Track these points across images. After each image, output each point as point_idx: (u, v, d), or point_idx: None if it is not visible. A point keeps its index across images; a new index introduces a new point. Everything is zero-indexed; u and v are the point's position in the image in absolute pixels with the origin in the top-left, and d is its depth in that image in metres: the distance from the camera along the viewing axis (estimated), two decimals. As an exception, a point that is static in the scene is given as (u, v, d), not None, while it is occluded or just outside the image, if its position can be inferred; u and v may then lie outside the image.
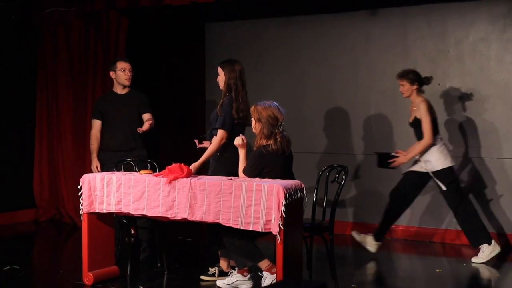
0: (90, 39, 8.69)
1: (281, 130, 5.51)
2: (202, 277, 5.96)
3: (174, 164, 5.50)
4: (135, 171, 6.31)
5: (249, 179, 5.38)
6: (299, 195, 5.22)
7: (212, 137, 5.99)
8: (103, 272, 5.84)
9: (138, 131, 6.65)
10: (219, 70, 6.04)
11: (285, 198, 4.96)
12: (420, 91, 6.82)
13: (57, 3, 8.75)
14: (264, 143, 5.49)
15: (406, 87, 6.79)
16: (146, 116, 6.91)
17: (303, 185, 5.32)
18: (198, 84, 9.23)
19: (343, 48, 8.13)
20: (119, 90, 6.98)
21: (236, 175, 5.65)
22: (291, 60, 8.41)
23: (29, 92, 9.02)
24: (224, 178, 5.44)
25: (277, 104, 5.59)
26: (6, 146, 8.74)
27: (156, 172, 6.07)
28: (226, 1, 7.77)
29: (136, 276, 6.09)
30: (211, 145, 5.90)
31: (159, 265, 6.31)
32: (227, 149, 5.89)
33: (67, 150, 8.82)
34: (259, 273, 5.55)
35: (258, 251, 5.44)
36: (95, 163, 7.00)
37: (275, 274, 5.24)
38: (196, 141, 6.23)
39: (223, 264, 5.98)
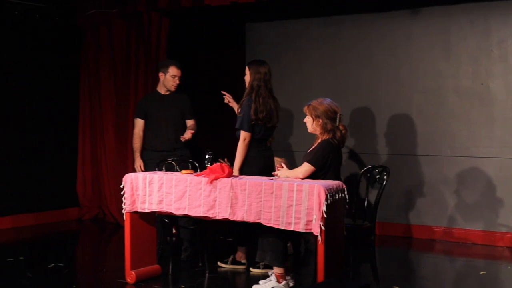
0: (132, 40, 8.78)
1: (342, 122, 5.54)
2: (219, 263, 6.35)
3: (215, 164, 5.54)
4: (177, 170, 6.35)
5: (290, 179, 5.38)
6: (340, 195, 5.21)
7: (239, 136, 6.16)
8: (145, 270, 5.90)
9: (181, 139, 6.80)
10: (246, 69, 6.22)
11: (326, 199, 4.95)
12: None
13: (99, 5, 8.86)
14: (330, 137, 5.50)
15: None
16: (190, 123, 7.02)
17: (344, 186, 5.30)
18: (238, 84, 9.25)
19: (384, 48, 8.07)
20: (163, 91, 7.06)
21: (258, 174, 5.82)
22: (332, 60, 8.38)
23: (72, 93, 9.15)
24: (265, 178, 5.46)
25: (330, 99, 5.61)
26: (50, 146, 8.88)
27: (197, 172, 6.11)
28: (267, 1, 7.78)
29: (178, 275, 6.13)
30: (238, 149, 6.06)
31: (200, 264, 6.35)
32: (249, 148, 6.06)
33: (110, 150, 8.92)
34: (269, 273, 5.64)
35: (284, 256, 5.47)
36: (139, 162, 7.07)
37: (281, 284, 5.44)
38: (226, 96, 6.50)
39: (239, 254, 6.34)
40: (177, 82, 6.97)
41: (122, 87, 8.82)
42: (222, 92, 6.58)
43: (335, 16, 8.35)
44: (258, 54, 8.70)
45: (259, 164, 6.11)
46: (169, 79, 6.96)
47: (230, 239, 7.33)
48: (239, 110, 6.13)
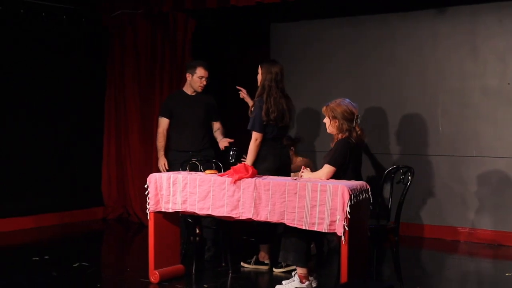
0: (157, 40, 8.81)
1: (358, 123, 5.53)
2: (242, 263, 6.38)
3: (239, 164, 5.55)
4: (201, 171, 6.36)
5: (313, 179, 5.36)
6: (364, 196, 5.18)
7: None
8: (169, 270, 5.92)
9: (221, 149, 6.87)
10: (259, 68, 6.28)
11: (350, 199, 4.93)
12: (296, 153, 7.31)
13: (125, 5, 8.90)
14: (346, 136, 5.51)
15: None
16: (217, 125, 7.07)
17: (368, 186, 5.28)
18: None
19: (410, 47, 8.02)
20: (189, 91, 7.08)
21: (274, 171, 5.85)
22: (357, 60, 8.34)
23: (98, 93, 9.21)
24: (289, 178, 5.45)
25: (348, 100, 5.60)
26: (76, 146, 8.95)
27: (221, 172, 6.11)
28: (292, 1, 7.76)
29: (201, 274, 6.14)
30: (249, 149, 6.15)
31: (223, 264, 6.36)
32: (262, 147, 6.15)
33: (135, 150, 8.95)
34: (292, 273, 5.61)
35: (307, 257, 5.45)
36: (162, 161, 7.08)
37: (304, 285, 5.44)
38: (241, 91, 6.62)
39: (262, 254, 6.38)
40: (204, 83, 6.99)
41: (147, 87, 8.85)
42: (238, 87, 6.61)
43: (360, 16, 8.31)
44: (283, 54, 8.71)
45: (275, 162, 6.15)
46: (196, 80, 6.97)
47: (253, 239, 7.31)
48: (251, 110, 6.21)
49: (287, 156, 6.40)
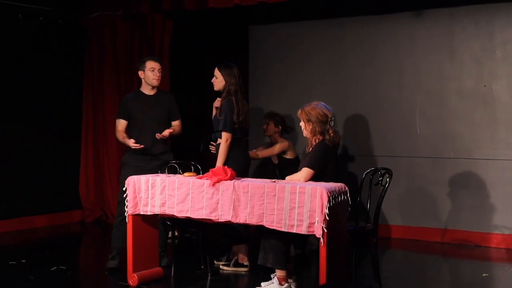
0: (135, 42, 8.79)
1: (332, 125, 5.54)
2: (216, 262, 6.48)
3: (218, 167, 5.53)
4: (179, 173, 6.32)
5: (292, 181, 5.37)
6: (343, 197, 5.20)
7: (217, 139, 6.30)
8: (148, 273, 5.90)
9: (157, 137, 6.46)
10: (217, 72, 6.34)
11: (329, 201, 4.94)
12: (280, 134, 7.43)
13: (103, 7, 8.87)
14: (321, 138, 5.54)
15: (270, 127, 7.40)
16: (175, 123, 6.67)
17: (346, 188, 5.29)
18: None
19: (388, 49, 8.06)
20: (147, 90, 6.65)
21: (245, 172, 5.94)
22: (335, 62, 8.36)
23: (75, 95, 9.16)
24: (268, 180, 5.45)
25: (323, 103, 5.64)
26: (53, 148, 8.89)
27: (200, 174, 6.10)
28: (270, 3, 7.77)
29: (180, 277, 6.12)
30: (221, 149, 6.19)
31: (202, 266, 6.34)
32: (231, 148, 6.22)
33: (112, 152, 8.92)
34: (271, 274, 5.59)
35: (286, 259, 5.46)
36: (130, 142, 6.45)
37: (283, 287, 5.43)
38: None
39: (240, 256, 6.39)
40: (158, 74, 6.58)
41: (125, 90, 8.81)
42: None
43: (338, 18, 8.34)
44: (261, 56, 8.72)
45: (242, 163, 6.27)
46: (148, 74, 6.60)
47: (224, 239, 7.17)
48: (219, 113, 6.24)
49: (250, 158, 6.62)
